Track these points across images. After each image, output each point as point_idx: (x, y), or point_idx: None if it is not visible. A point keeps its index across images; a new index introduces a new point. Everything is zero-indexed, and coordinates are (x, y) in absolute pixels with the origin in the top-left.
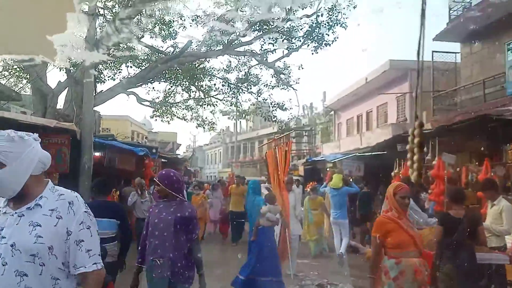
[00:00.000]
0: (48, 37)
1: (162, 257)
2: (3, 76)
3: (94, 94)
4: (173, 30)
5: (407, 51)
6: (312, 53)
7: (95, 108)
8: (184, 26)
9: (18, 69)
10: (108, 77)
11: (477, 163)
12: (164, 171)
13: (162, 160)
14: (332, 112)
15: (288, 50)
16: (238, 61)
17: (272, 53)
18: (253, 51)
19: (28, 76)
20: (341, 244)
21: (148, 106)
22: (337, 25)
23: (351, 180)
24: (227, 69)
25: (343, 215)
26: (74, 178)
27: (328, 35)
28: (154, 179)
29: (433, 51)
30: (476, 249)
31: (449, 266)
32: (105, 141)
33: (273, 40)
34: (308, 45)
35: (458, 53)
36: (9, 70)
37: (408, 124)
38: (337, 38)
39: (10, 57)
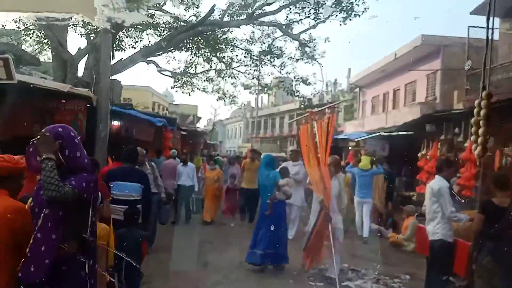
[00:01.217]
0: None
1: None
2: (24, 41)
3: (112, 61)
4: None
5: (440, 26)
6: (340, 24)
7: (116, 77)
8: None
9: (38, 34)
10: (129, 45)
11: None
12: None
13: (182, 132)
14: (357, 89)
15: (315, 21)
16: (262, 33)
17: (298, 23)
18: (278, 21)
19: (49, 42)
20: (362, 225)
21: (168, 76)
22: None
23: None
24: (250, 40)
25: (369, 195)
26: (91, 147)
27: (358, 5)
28: None
29: (469, 26)
30: None
31: (489, 259)
32: (123, 110)
33: (300, 9)
34: (337, 15)
35: (497, 29)
36: (30, 35)
37: (438, 104)
38: (367, 8)
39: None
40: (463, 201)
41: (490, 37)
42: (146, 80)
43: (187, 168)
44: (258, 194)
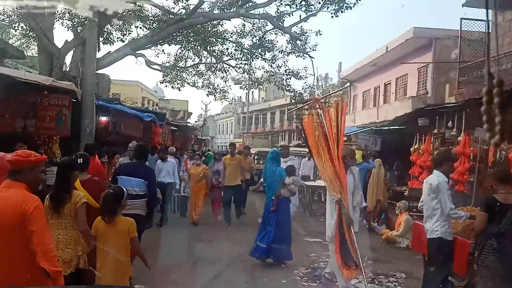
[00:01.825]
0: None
1: None
2: (9, 34)
3: (99, 53)
4: None
5: (432, 19)
6: (332, 16)
7: (105, 72)
8: None
9: (24, 27)
10: (117, 38)
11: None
12: None
13: (172, 128)
14: (348, 84)
15: (306, 13)
16: (253, 26)
17: (289, 16)
18: (269, 14)
19: (34, 35)
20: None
21: (157, 70)
22: None
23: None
24: (241, 33)
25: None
26: (76, 143)
27: None
28: None
29: (461, 18)
30: None
31: (492, 259)
32: (110, 105)
33: (291, 1)
34: (328, 7)
35: (489, 21)
36: (15, 28)
37: (429, 98)
38: (360, 0)
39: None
40: (457, 196)
41: (491, 22)
42: (136, 76)
43: (166, 164)
44: (240, 190)
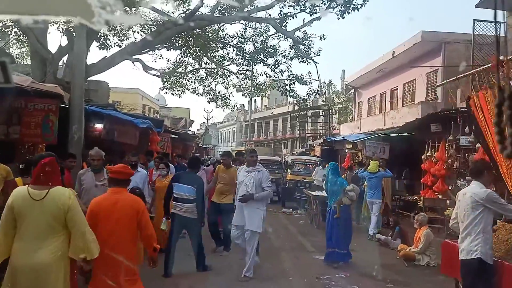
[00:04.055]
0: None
1: None
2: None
3: (94, 58)
4: None
5: (439, 23)
6: (338, 18)
7: (104, 79)
8: None
9: (16, 32)
10: (115, 43)
11: None
12: None
13: (172, 135)
14: (352, 90)
15: (311, 15)
16: (255, 31)
17: (292, 18)
18: (271, 17)
19: (27, 40)
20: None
21: (154, 75)
22: None
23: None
24: (242, 38)
25: (377, 195)
26: (64, 151)
27: None
28: None
29: (474, 20)
30: None
31: None
32: (102, 110)
33: (294, 2)
34: (334, 8)
35: (503, 22)
36: (8, 33)
37: (439, 103)
38: (367, 0)
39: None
40: None
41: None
42: (137, 84)
43: (135, 176)
44: (232, 212)
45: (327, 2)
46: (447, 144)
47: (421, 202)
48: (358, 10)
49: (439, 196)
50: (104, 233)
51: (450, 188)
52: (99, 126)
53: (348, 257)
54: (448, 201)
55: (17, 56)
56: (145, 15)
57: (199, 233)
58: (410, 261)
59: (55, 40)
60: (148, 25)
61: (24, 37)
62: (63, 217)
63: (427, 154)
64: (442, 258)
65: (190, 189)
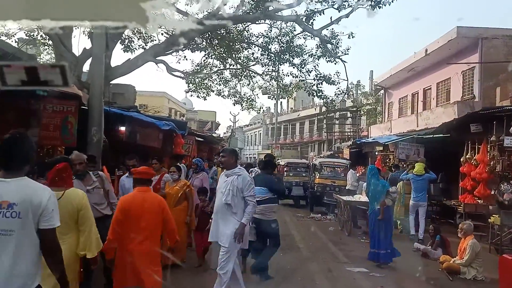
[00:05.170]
0: (141, 4)
1: None
2: (28, 45)
3: (118, 60)
4: None
5: (475, 18)
6: (369, 11)
7: (130, 83)
8: None
9: (43, 35)
10: (139, 46)
11: None
12: None
13: (197, 138)
14: (382, 91)
15: (339, 11)
16: (280, 31)
17: (320, 14)
18: (298, 14)
19: (51, 43)
20: (414, 225)
21: (179, 77)
22: None
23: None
24: (268, 38)
25: (424, 198)
26: (84, 153)
27: None
28: None
29: None
30: None
31: None
32: (123, 112)
33: None
34: (364, 3)
35: None
36: (33, 36)
37: (477, 102)
38: None
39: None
40: None
41: None
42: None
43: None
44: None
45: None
46: (489, 146)
47: (461, 207)
48: (389, 5)
49: (479, 201)
50: (135, 228)
51: (492, 192)
52: (122, 128)
53: (393, 255)
54: (490, 207)
55: (47, 61)
56: (168, 17)
57: (269, 235)
58: (455, 274)
59: (81, 43)
60: (173, 28)
61: (49, 40)
62: (77, 215)
63: (467, 156)
64: (501, 275)
65: (261, 190)
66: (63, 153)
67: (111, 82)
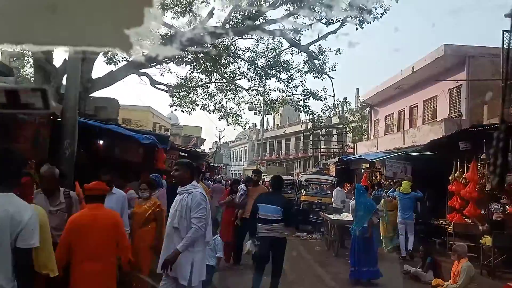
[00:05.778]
0: (125, 31)
1: None
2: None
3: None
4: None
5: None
6: (357, 28)
7: (115, 96)
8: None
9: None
10: (123, 58)
11: None
12: None
13: (181, 153)
14: (368, 108)
15: (327, 25)
16: (267, 47)
17: (307, 29)
18: (285, 28)
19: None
20: (405, 243)
21: (162, 90)
22: None
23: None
24: (254, 52)
25: (410, 216)
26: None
27: (376, 8)
28: None
29: (503, 31)
30: None
31: None
32: (100, 125)
33: (310, 12)
34: (352, 17)
35: None
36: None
37: (464, 120)
38: (388, 9)
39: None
40: None
41: None
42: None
43: (111, 198)
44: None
45: (347, 10)
46: (478, 164)
47: (450, 227)
48: (378, 20)
49: (468, 221)
50: (87, 248)
51: (482, 212)
52: (100, 142)
53: (379, 274)
54: (480, 227)
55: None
56: (155, 30)
57: (283, 254)
58: None
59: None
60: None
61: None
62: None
63: (455, 174)
64: None
65: (277, 210)
66: (34, 167)
67: (92, 95)
